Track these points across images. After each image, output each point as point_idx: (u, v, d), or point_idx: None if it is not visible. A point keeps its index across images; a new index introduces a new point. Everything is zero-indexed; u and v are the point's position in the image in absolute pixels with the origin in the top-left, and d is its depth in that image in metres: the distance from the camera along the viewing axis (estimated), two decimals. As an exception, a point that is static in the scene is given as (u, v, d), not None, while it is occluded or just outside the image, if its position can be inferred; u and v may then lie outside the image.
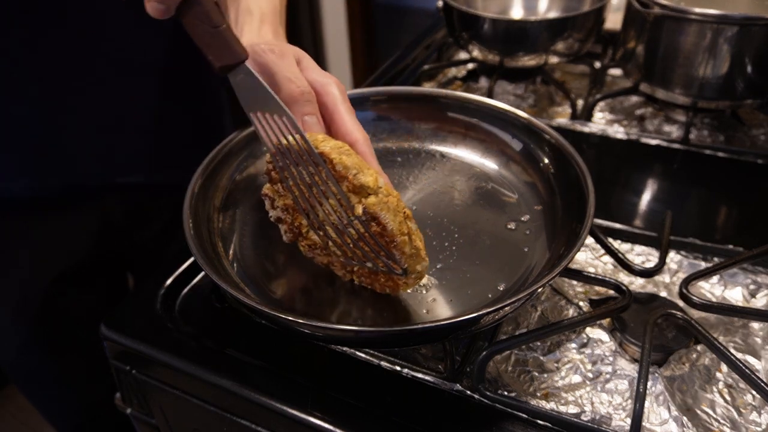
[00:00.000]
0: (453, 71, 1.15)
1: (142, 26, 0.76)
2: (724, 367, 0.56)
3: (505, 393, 0.55)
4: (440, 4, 1.04)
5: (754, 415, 0.53)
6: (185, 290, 0.68)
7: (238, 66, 0.51)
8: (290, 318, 0.50)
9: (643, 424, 0.51)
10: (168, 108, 0.85)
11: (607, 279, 0.61)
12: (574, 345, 0.59)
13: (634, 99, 1.01)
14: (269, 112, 0.52)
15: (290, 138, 0.51)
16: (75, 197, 0.82)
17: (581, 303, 0.63)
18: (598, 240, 0.65)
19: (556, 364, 0.57)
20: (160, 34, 0.79)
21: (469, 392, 0.55)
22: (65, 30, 0.70)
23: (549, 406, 0.54)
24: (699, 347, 0.57)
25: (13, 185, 0.76)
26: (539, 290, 0.52)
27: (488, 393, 0.54)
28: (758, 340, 0.59)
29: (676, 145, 0.90)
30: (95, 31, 0.72)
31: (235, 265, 0.62)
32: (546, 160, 0.69)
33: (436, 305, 0.58)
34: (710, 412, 0.53)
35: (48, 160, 0.77)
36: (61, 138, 0.75)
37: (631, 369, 0.56)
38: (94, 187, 0.82)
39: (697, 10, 0.80)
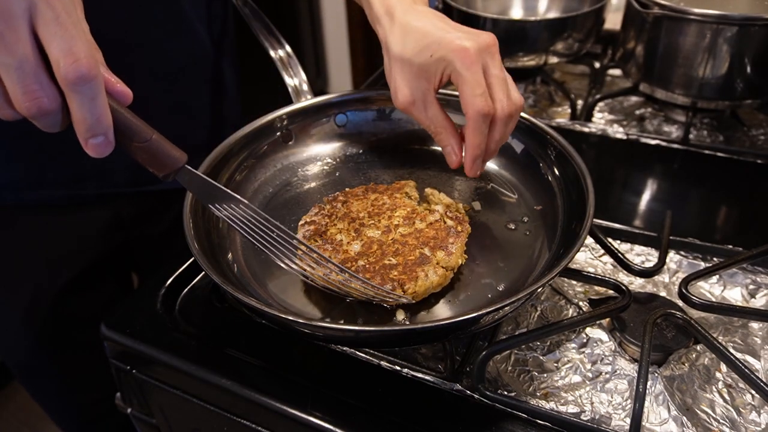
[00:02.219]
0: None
1: (188, 28, 0.76)
2: (724, 367, 0.56)
3: (505, 393, 0.55)
4: (439, 5, 1.04)
5: (753, 415, 0.53)
6: (185, 290, 0.68)
7: (180, 170, 0.51)
8: (290, 318, 0.50)
9: (643, 423, 0.51)
10: (197, 110, 0.84)
11: (606, 279, 0.61)
12: (573, 345, 0.59)
13: (634, 99, 1.01)
14: (226, 203, 0.54)
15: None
16: (89, 200, 0.82)
17: (581, 303, 0.63)
18: (597, 240, 0.65)
19: (555, 364, 0.57)
20: (207, 36, 0.79)
21: (469, 392, 0.55)
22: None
23: (549, 405, 0.54)
24: (698, 347, 0.57)
25: (32, 194, 0.76)
26: (539, 290, 0.52)
27: (488, 393, 0.54)
28: (757, 340, 0.59)
29: (675, 145, 0.90)
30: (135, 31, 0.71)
31: (235, 265, 0.62)
32: (546, 161, 0.69)
33: (436, 305, 0.58)
34: (710, 411, 0.53)
35: (81, 172, 0.76)
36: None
37: (630, 369, 0.56)
38: (114, 193, 0.82)
39: (697, 10, 0.80)
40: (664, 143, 0.91)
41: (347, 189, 0.69)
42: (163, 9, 0.74)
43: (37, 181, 0.76)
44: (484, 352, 0.53)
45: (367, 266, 0.58)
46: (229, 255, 0.63)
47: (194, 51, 0.80)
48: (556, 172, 0.67)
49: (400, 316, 0.56)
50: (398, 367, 0.58)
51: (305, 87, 0.77)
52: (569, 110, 0.98)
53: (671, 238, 0.67)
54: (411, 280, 0.56)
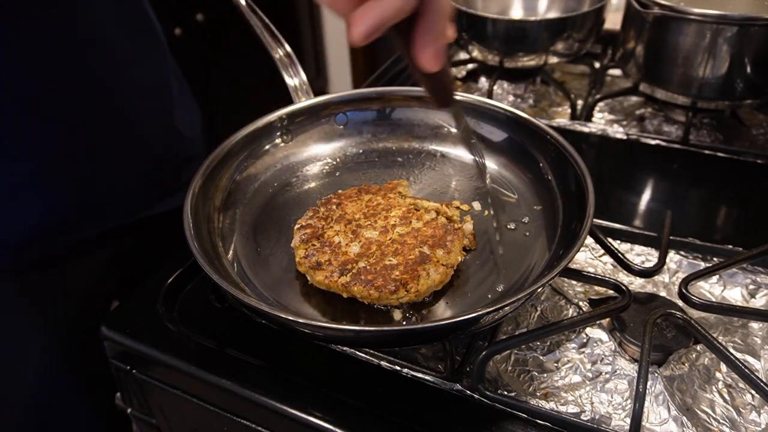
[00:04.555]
0: (453, 71, 1.15)
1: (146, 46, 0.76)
2: (724, 367, 0.56)
3: (505, 393, 0.55)
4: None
5: (753, 415, 0.53)
6: (185, 290, 0.68)
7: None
8: (290, 318, 0.50)
9: (643, 423, 0.51)
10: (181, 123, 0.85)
11: (606, 279, 0.61)
12: (573, 345, 0.59)
13: (634, 99, 1.01)
14: None
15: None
16: (89, 245, 0.80)
17: (581, 303, 0.63)
18: (597, 240, 0.65)
19: (555, 364, 0.57)
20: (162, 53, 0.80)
21: (469, 392, 0.55)
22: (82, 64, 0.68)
23: (549, 405, 0.54)
24: (698, 347, 0.57)
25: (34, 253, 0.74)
26: (539, 290, 0.52)
27: (488, 393, 0.54)
28: (757, 340, 0.59)
29: (675, 145, 0.90)
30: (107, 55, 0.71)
31: (235, 265, 0.62)
32: (546, 161, 0.69)
33: (435, 305, 0.58)
34: (710, 411, 0.53)
35: (79, 205, 0.75)
36: (95, 180, 0.73)
37: (630, 369, 0.56)
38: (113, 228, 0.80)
39: (697, 10, 0.80)
40: (664, 143, 0.91)
41: (340, 191, 0.69)
42: (143, 33, 0.74)
43: (38, 239, 0.73)
44: (484, 352, 0.53)
45: (368, 267, 0.57)
46: (230, 255, 0.63)
47: (169, 64, 0.81)
48: (556, 172, 0.67)
49: (399, 316, 0.56)
50: (398, 367, 0.58)
51: (305, 87, 0.77)
52: (569, 110, 0.98)
53: (671, 238, 0.67)
54: (413, 279, 0.56)
